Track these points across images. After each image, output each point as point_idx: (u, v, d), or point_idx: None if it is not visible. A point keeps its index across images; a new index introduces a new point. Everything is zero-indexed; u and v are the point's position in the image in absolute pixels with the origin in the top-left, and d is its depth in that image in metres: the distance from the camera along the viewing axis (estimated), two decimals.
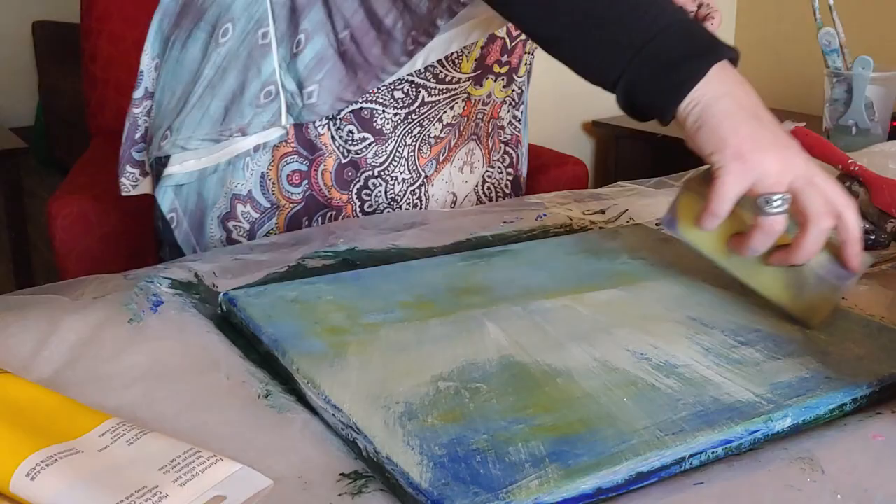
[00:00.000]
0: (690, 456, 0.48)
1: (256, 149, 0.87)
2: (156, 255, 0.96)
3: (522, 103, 1.03)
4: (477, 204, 0.99)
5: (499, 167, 1.02)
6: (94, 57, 1.84)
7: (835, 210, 0.61)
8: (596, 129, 2.45)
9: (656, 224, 0.88)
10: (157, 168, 0.91)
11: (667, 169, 1.12)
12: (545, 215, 0.89)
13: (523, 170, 1.07)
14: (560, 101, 2.28)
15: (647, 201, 0.94)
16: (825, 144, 1.03)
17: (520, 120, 1.03)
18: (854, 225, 0.61)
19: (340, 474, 0.48)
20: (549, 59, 0.67)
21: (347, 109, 0.86)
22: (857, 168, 0.95)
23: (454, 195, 0.96)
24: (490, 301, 0.65)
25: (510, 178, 1.03)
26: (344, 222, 0.88)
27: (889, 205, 0.88)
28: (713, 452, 0.49)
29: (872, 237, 0.83)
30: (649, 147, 2.32)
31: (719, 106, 0.61)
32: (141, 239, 1.54)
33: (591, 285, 0.69)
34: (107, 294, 0.67)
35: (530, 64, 0.97)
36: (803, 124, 1.05)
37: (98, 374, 0.57)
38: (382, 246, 0.79)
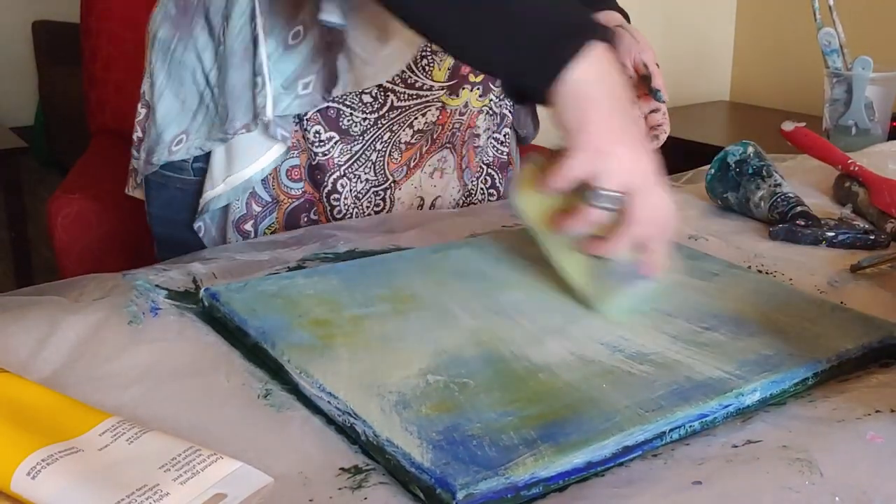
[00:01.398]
0: (671, 430, 0.51)
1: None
2: (155, 255, 0.96)
3: (506, 126, 1.01)
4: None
5: (481, 188, 1.01)
6: (94, 57, 1.84)
7: (655, 223, 0.63)
8: None
9: None
10: (159, 173, 0.90)
11: (667, 169, 1.12)
12: None
13: None
14: None
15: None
16: (825, 145, 1.03)
17: (503, 143, 1.01)
18: (660, 243, 0.63)
19: (340, 469, 0.48)
20: None
21: (314, 110, 0.86)
22: (856, 168, 0.96)
23: (422, 199, 0.96)
24: (464, 294, 0.67)
25: (494, 199, 1.02)
26: (343, 223, 0.88)
27: (889, 205, 0.88)
28: (690, 426, 0.52)
29: (872, 237, 0.83)
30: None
31: (590, 91, 0.61)
32: (141, 238, 1.54)
33: (554, 275, 0.71)
34: (106, 295, 0.67)
35: None
36: (803, 124, 1.05)
37: (97, 375, 0.57)
38: (383, 247, 0.79)
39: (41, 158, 3.91)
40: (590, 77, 0.61)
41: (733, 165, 0.92)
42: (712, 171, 0.93)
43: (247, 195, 0.88)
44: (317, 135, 0.88)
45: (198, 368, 0.58)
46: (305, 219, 0.90)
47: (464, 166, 0.98)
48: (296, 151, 0.88)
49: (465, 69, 0.90)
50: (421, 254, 0.75)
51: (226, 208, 0.90)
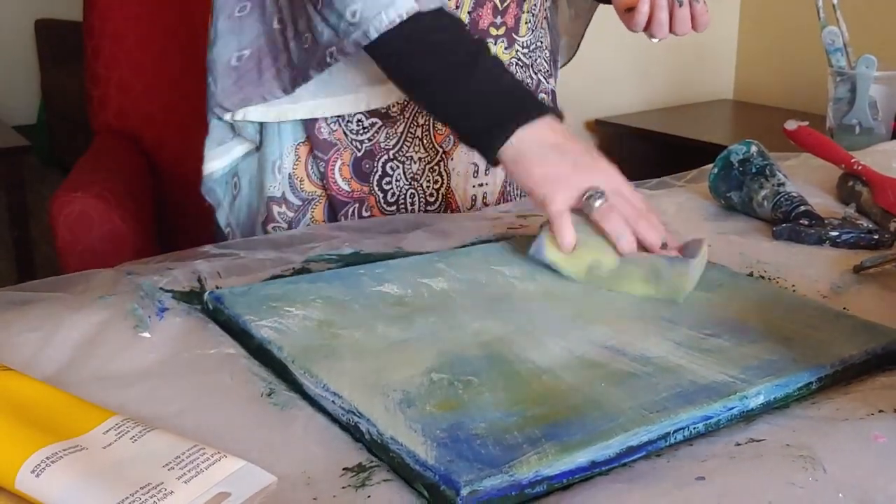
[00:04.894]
0: (675, 431, 0.51)
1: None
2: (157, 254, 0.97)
3: (542, 92, 1.02)
4: (505, 177, 1.00)
5: None
6: (97, 55, 1.84)
7: (631, 202, 0.73)
8: (599, 127, 2.44)
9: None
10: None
11: (670, 168, 1.12)
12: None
13: None
14: (563, 100, 2.27)
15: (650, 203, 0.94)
16: (829, 144, 1.03)
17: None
18: (644, 217, 0.73)
19: (344, 469, 0.48)
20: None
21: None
22: (860, 167, 0.95)
23: (475, 165, 0.97)
24: (468, 298, 0.67)
25: None
26: (345, 223, 0.88)
27: (892, 204, 0.88)
28: (695, 428, 0.52)
29: (876, 237, 0.83)
30: (653, 146, 2.31)
31: (525, 150, 0.74)
32: (143, 237, 1.54)
33: (559, 284, 0.72)
34: (111, 294, 0.67)
35: (531, 23, 0.96)
36: (806, 123, 1.05)
37: (101, 373, 0.57)
38: (387, 249, 0.79)
39: (43, 157, 3.91)
40: (525, 142, 0.74)
41: (736, 164, 0.91)
42: (715, 170, 0.93)
43: (265, 199, 0.91)
44: (359, 123, 0.90)
45: (202, 367, 0.58)
46: (353, 217, 0.92)
47: None
48: (316, 153, 0.90)
49: (485, 23, 0.91)
50: (425, 259, 0.75)
51: (250, 210, 0.92)
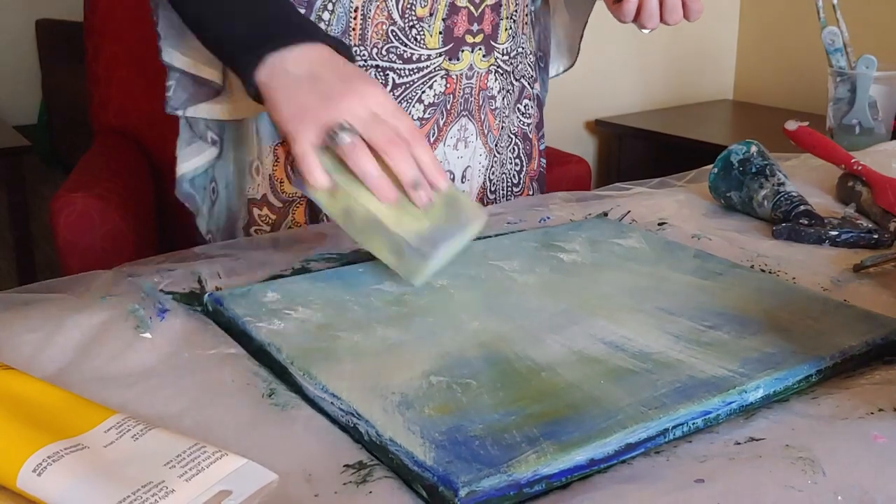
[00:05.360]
0: (673, 427, 0.51)
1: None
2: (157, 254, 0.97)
3: (526, 98, 1.02)
4: (483, 183, 1.00)
5: (510, 157, 1.02)
6: (98, 55, 1.84)
7: (385, 121, 0.66)
8: (599, 127, 2.45)
9: (658, 224, 0.88)
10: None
11: (670, 168, 1.12)
12: (549, 218, 0.89)
13: (541, 164, 1.08)
14: (563, 100, 2.28)
15: (650, 202, 0.94)
16: (828, 144, 1.03)
17: (524, 114, 1.03)
18: (423, 156, 0.66)
19: (345, 465, 0.48)
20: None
21: None
22: (860, 167, 0.95)
23: (451, 173, 0.96)
24: (467, 296, 0.67)
25: (518, 169, 1.03)
26: None
27: (892, 204, 0.88)
28: (694, 423, 0.52)
29: (875, 236, 0.83)
30: (652, 146, 2.32)
31: (276, 79, 0.68)
32: (144, 237, 1.54)
33: (558, 277, 0.71)
34: (112, 295, 0.67)
35: (512, 29, 0.95)
36: (807, 123, 1.05)
37: (102, 374, 0.57)
38: None
39: (44, 157, 3.91)
40: (276, 70, 0.68)
41: (737, 164, 0.92)
42: (715, 170, 0.93)
43: (246, 202, 0.90)
44: None
45: (202, 367, 0.58)
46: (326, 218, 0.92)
47: (486, 131, 0.97)
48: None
49: (460, 30, 0.89)
50: None
51: (229, 214, 0.91)
